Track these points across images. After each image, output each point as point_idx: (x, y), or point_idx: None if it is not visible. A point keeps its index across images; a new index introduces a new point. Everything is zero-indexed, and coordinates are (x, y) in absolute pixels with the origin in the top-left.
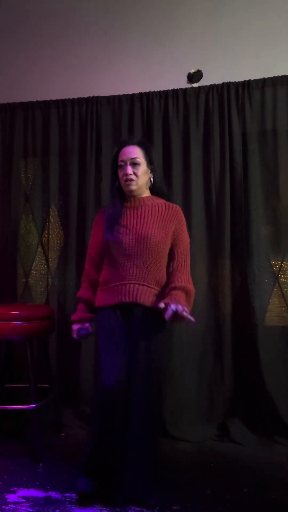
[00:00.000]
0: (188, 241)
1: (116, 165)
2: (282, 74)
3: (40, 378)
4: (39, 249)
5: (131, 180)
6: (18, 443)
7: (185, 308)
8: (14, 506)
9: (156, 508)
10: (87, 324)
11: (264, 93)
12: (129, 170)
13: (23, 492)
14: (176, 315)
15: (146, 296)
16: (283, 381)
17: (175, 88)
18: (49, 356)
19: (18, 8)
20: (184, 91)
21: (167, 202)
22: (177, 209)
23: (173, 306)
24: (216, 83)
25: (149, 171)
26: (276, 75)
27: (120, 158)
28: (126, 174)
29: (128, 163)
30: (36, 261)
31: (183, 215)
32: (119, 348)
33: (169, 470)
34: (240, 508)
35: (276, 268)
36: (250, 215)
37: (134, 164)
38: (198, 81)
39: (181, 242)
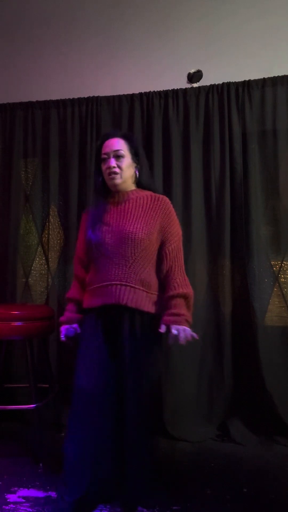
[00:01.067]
0: (180, 234)
1: (99, 159)
2: (282, 74)
3: (40, 378)
4: (39, 249)
5: (115, 173)
6: (18, 443)
7: (187, 329)
8: (14, 506)
9: (156, 508)
10: (75, 325)
11: (264, 93)
12: (113, 162)
13: (23, 492)
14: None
15: (130, 297)
16: (283, 381)
17: (175, 88)
18: (49, 356)
19: (18, 9)
20: (184, 91)
21: (153, 194)
22: (164, 200)
23: (174, 331)
24: (216, 83)
25: (135, 164)
26: (276, 75)
27: (103, 151)
28: (110, 167)
29: (112, 156)
30: (36, 261)
31: (171, 206)
32: (97, 353)
33: (169, 470)
34: (240, 508)
35: (276, 268)
36: (250, 215)
37: (118, 156)
38: (198, 81)
39: (171, 238)
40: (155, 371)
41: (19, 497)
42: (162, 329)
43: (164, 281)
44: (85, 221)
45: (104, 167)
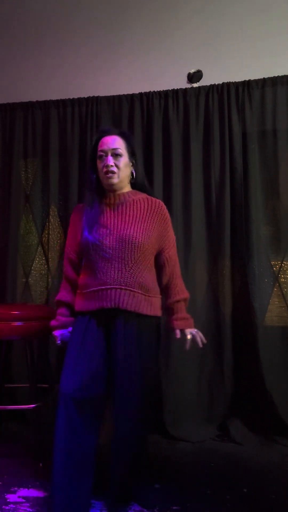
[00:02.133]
0: (174, 239)
1: (95, 156)
2: (282, 74)
3: (40, 378)
4: (39, 249)
5: (113, 172)
6: (18, 443)
7: (199, 332)
8: (14, 506)
9: (156, 508)
10: (70, 328)
11: (264, 93)
12: (110, 161)
13: (23, 492)
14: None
15: (129, 301)
16: (283, 381)
17: (175, 88)
18: (49, 356)
19: (18, 9)
20: (184, 91)
21: (149, 197)
22: (161, 204)
23: (190, 335)
24: (216, 83)
25: (131, 164)
26: (276, 75)
27: (100, 148)
28: (107, 166)
29: (109, 154)
30: (36, 261)
31: (167, 211)
32: (88, 357)
33: (169, 470)
34: (240, 508)
35: (276, 268)
36: (250, 215)
37: (116, 155)
38: (198, 81)
39: (168, 243)
40: (153, 374)
41: (19, 497)
42: (178, 334)
43: (166, 286)
44: (75, 221)
45: (100, 165)
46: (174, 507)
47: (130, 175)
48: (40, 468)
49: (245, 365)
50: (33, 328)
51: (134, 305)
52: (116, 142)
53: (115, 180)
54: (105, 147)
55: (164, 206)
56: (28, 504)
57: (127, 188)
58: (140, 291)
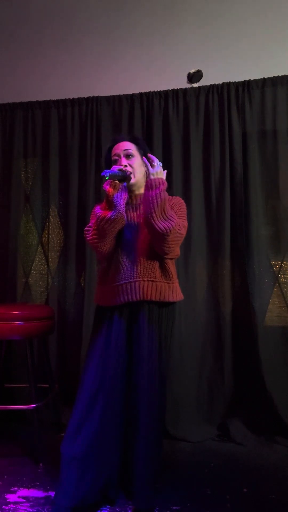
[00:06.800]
0: (182, 224)
1: (110, 164)
2: (282, 74)
3: (40, 378)
4: (39, 249)
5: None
6: (18, 443)
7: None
8: (14, 506)
9: (156, 508)
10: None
11: (264, 93)
12: (124, 161)
13: (23, 492)
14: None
15: (154, 292)
16: (283, 381)
17: (175, 88)
18: (49, 356)
19: (18, 9)
20: (184, 91)
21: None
22: (179, 199)
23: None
24: (216, 83)
25: (145, 164)
26: (276, 75)
27: (113, 153)
28: (122, 166)
29: (122, 155)
30: (36, 261)
31: (183, 204)
32: (113, 353)
33: (169, 470)
34: (240, 508)
35: (276, 268)
36: (250, 215)
37: (128, 155)
38: (198, 81)
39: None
40: (168, 361)
41: (19, 497)
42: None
43: None
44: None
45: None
46: (174, 507)
47: (145, 175)
48: (40, 468)
49: (245, 365)
50: (33, 328)
51: (159, 295)
52: (126, 145)
53: (132, 180)
54: (117, 151)
55: (182, 201)
56: (28, 504)
57: (144, 189)
58: (164, 281)
